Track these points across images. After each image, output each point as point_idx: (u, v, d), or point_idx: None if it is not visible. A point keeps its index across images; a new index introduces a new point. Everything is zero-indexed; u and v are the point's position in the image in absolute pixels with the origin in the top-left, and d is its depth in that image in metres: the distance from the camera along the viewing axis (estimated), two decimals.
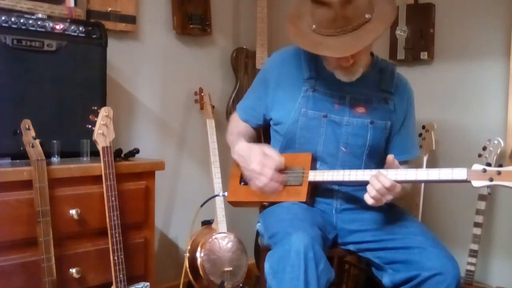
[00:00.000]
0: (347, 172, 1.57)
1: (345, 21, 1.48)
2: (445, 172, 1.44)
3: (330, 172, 1.61)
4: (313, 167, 1.66)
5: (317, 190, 1.69)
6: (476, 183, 1.39)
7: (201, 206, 1.96)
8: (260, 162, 1.61)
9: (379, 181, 1.46)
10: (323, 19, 1.50)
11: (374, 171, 1.52)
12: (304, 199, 1.60)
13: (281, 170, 1.65)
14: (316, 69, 1.70)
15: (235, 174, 1.77)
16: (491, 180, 1.37)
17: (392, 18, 1.55)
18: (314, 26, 1.54)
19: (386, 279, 1.57)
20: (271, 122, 1.79)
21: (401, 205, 1.80)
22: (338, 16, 1.47)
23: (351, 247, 1.69)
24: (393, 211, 1.69)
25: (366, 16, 1.50)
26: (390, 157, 1.53)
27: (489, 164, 1.42)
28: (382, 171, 1.50)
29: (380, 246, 1.59)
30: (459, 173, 1.42)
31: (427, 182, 1.53)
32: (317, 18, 1.52)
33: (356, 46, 1.49)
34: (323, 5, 1.48)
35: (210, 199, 2.05)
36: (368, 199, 1.50)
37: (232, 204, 1.76)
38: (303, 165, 1.64)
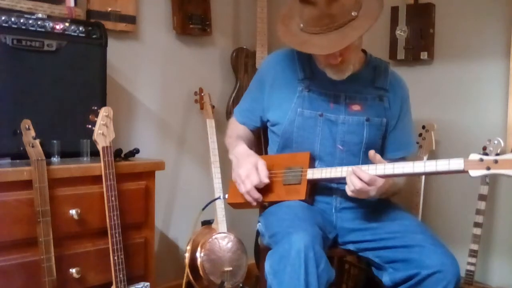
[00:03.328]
0: (345, 168, 1.57)
1: (331, 19, 1.50)
2: (442, 163, 1.44)
3: (329, 169, 1.62)
4: (312, 166, 1.67)
5: (317, 189, 1.69)
6: (473, 173, 1.39)
7: (203, 209, 1.97)
8: (247, 171, 1.63)
9: (359, 177, 1.49)
10: (309, 17, 1.53)
11: (371, 166, 1.52)
12: (303, 197, 1.61)
13: (277, 173, 1.67)
14: (310, 70, 1.72)
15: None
16: (488, 169, 1.37)
17: (378, 15, 1.55)
18: (302, 25, 1.57)
19: (386, 278, 1.57)
20: (268, 124, 1.81)
21: (401, 204, 1.81)
22: (324, 14, 1.50)
23: (351, 247, 1.69)
24: (392, 210, 1.70)
25: (352, 13, 1.52)
26: (371, 152, 1.55)
27: None
28: (379, 165, 1.52)
29: (379, 245, 1.60)
30: (456, 164, 1.42)
31: (424, 174, 1.54)
32: (305, 16, 1.55)
33: (341, 43, 1.50)
34: (309, 4, 1.51)
35: (211, 202, 2.05)
36: (348, 192, 1.53)
37: (232, 205, 1.76)
38: (302, 164, 1.65)
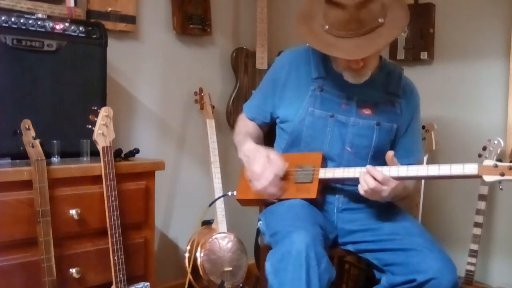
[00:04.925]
0: (358, 169, 1.56)
1: (359, 24, 1.49)
2: (456, 167, 1.44)
3: (341, 169, 1.61)
4: (324, 166, 1.66)
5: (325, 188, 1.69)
6: (487, 178, 1.40)
7: (209, 205, 1.98)
8: (263, 165, 1.62)
9: (373, 176, 1.49)
10: (336, 20, 1.51)
11: (385, 167, 1.52)
12: (314, 196, 1.60)
13: (289, 172, 1.65)
14: (324, 69, 1.71)
15: (245, 173, 1.76)
16: (502, 175, 1.38)
17: (405, 24, 1.56)
18: (327, 26, 1.55)
19: (384, 280, 1.58)
20: (277, 120, 1.80)
21: (401, 205, 1.80)
22: (352, 19, 1.48)
23: (350, 248, 1.69)
24: (393, 211, 1.70)
25: (379, 20, 1.51)
26: (390, 153, 1.54)
27: None
28: (393, 167, 1.52)
29: (378, 247, 1.60)
30: (470, 169, 1.43)
31: (438, 178, 1.53)
32: (331, 19, 1.53)
33: (369, 49, 1.50)
34: (338, 7, 1.49)
35: (218, 198, 2.05)
36: (361, 191, 1.52)
37: (241, 202, 1.75)
38: (314, 164, 1.64)
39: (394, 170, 1.51)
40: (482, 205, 2.07)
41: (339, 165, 1.67)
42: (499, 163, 1.39)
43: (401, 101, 1.74)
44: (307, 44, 1.68)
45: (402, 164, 1.57)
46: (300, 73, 1.73)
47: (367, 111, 1.69)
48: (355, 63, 1.57)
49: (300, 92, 1.71)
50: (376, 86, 1.71)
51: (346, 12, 1.48)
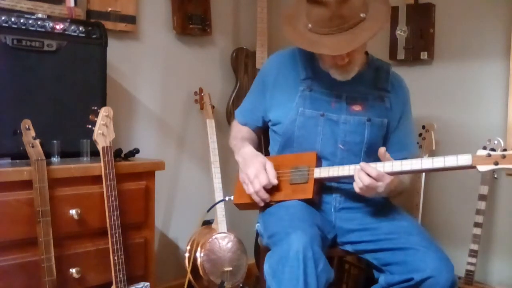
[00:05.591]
0: (352, 166, 1.57)
1: (341, 20, 1.50)
2: (450, 159, 1.45)
3: (336, 168, 1.61)
4: (318, 166, 1.66)
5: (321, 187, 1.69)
6: (481, 168, 1.40)
7: (208, 211, 1.97)
8: (256, 171, 1.62)
9: (367, 172, 1.49)
10: (319, 18, 1.52)
11: (379, 163, 1.52)
12: (310, 196, 1.60)
13: (284, 173, 1.66)
14: (312, 70, 1.72)
15: (240, 176, 1.76)
16: (496, 164, 1.38)
17: (387, 18, 1.58)
18: (310, 25, 1.56)
19: (382, 279, 1.59)
20: (269, 123, 1.81)
21: (401, 205, 1.81)
22: (334, 15, 1.50)
23: (349, 248, 1.69)
24: (390, 211, 1.70)
25: (361, 15, 1.52)
26: (382, 149, 1.54)
27: None
28: (387, 163, 1.52)
29: (377, 247, 1.60)
30: (464, 159, 1.43)
31: (432, 171, 1.54)
32: (313, 17, 1.54)
33: (352, 44, 1.51)
34: (320, 5, 1.50)
35: (216, 204, 2.05)
36: (356, 188, 1.52)
37: (238, 206, 1.75)
38: (309, 164, 1.65)
39: (388, 166, 1.52)
40: (482, 205, 2.07)
41: (332, 163, 1.68)
42: (492, 152, 1.39)
43: (391, 95, 1.75)
44: (294, 46, 1.69)
45: (396, 158, 1.59)
46: (288, 75, 1.74)
47: (357, 108, 1.70)
48: (340, 59, 1.58)
49: (289, 93, 1.72)
50: (364, 82, 1.72)
51: (328, 9, 1.49)
